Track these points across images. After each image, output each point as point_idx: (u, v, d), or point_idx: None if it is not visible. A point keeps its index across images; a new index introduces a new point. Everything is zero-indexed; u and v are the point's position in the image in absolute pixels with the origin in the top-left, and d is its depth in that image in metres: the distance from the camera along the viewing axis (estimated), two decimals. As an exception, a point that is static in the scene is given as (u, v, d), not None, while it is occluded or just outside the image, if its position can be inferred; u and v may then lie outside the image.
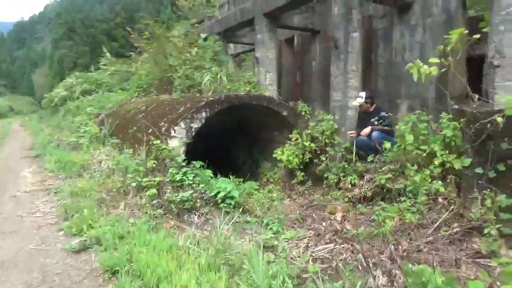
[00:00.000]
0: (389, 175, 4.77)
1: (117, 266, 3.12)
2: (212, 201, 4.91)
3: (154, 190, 4.78)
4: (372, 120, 5.75)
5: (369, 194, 5.05)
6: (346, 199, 5.31)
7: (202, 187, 5.00)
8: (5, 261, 3.51)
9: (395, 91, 7.05)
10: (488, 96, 4.09)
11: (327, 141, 6.18)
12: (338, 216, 4.57)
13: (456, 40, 4.11)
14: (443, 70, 4.25)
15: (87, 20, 48.69)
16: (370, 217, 4.68)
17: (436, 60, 4.28)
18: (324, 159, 6.06)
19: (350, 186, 5.45)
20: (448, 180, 4.03)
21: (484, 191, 3.51)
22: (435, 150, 4.40)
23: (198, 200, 4.75)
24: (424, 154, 4.55)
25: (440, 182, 3.99)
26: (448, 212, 3.75)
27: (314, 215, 5.01)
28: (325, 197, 5.56)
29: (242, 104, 6.37)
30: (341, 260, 3.34)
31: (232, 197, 4.80)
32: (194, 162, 5.47)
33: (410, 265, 2.82)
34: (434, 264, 2.86)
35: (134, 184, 5.08)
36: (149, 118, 7.03)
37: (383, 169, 4.95)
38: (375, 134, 5.54)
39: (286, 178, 6.75)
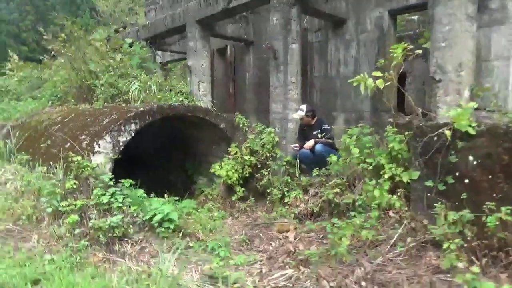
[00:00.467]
0: (337, 190, 4.64)
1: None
2: (147, 225, 4.31)
3: (75, 216, 4.02)
4: (314, 133, 5.64)
5: (316, 209, 4.87)
6: (293, 216, 5.07)
7: (134, 210, 4.37)
8: None
9: (331, 104, 7.10)
10: (431, 110, 4.18)
11: (268, 154, 5.92)
12: (291, 236, 4.28)
13: (400, 54, 4.15)
14: (387, 83, 4.27)
15: (-11, 20, 43.33)
16: (320, 235, 4.48)
17: (378, 73, 4.29)
18: (265, 173, 5.78)
19: (295, 201, 5.23)
20: (398, 194, 3.98)
21: (435, 203, 3.50)
22: (382, 163, 4.37)
23: (130, 225, 4.11)
24: (370, 167, 4.51)
25: (394, 196, 3.92)
26: (402, 226, 3.68)
27: (261, 234, 4.67)
28: (270, 214, 5.26)
29: (175, 116, 5.86)
30: (304, 288, 3.03)
31: (170, 220, 4.25)
32: (122, 180, 4.81)
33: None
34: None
35: (49, 210, 4.25)
36: (67, 130, 6.13)
37: (329, 183, 4.81)
38: (318, 147, 5.42)
39: (225, 194, 6.33)
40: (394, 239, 3.60)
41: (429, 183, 3.71)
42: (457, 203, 3.48)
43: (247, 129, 6.67)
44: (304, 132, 5.90)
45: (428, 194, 3.80)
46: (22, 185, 5.20)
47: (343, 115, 6.94)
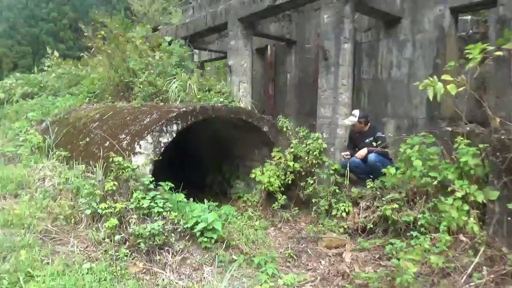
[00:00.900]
0: (395, 205, 4.19)
1: None
2: (188, 233, 4.03)
3: (115, 220, 3.79)
4: (367, 141, 5.20)
5: (370, 225, 4.44)
6: (342, 230, 4.66)
7: (175, 216, 4.10)
8: None
9: (380, 109, 6.62)
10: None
11: (314, 161, 5.52)
12: (347, 256, 3.88)
13: (478, 56, 3.67)
14: (460, 89, 3.80)
15: (31, 19, 45.12)
16: (375, 254, 4.06)
17: (448, 77, 3.83)
18: (311, 181, 5.38)
19: (344, 214, 4.82)
20: (472, 216, 3.50)
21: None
22: (449, 179, 3.89)
23: (171, 233, 3.84)
24: (435, 183, 4.04)
25: (471, 218, 3.45)
26: (479, 255, 3.20)
27: (308, 250, 4.30)
28: (317, 227, 4.87)
29: (217, 117, 5.58)
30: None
31: (213, 229, 3.94)
32: (162, 183, 4.56)
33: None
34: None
35: (88, 212, 4.05)
36: (106, 128, 5.97)
37: (385, 197, 4.36)
38: (372, 156, 4.97)
39: (266, 202, 5.98)
40: (470, 268, 3.14)
41: (511, 206, 3.22)
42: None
43: (290, 133, 6.29)
44: (355, 139, 5.47)
45: (509, 218, 3.32)
46: (60, 182, 5.06)
47: (393, 122, 6.45)
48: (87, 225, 4.03)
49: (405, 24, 6.21)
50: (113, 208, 3.95)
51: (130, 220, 3.92)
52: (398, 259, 3.55)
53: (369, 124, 5.38)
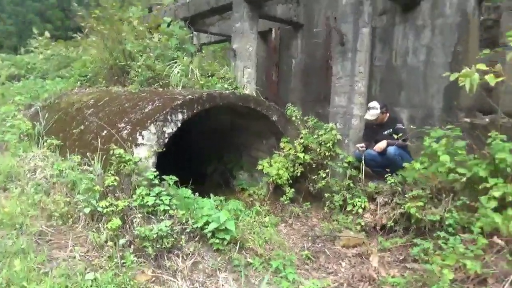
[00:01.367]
0: (420, 203, 3.91)
1: None
2: (198, 234, 3.70)
3: (117, 220, 3.44)
4: (385, 132, 4.88)
5: (390, 223, 4.16)
6: (359, 227, 4.38)
7: (183, 215, 3.76)
8: None
9: (393, 98, 6.28)
10: None
11: (326, 153, 5.20)
12: (374, 260, 3.59)
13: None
14: (500, 79, 3.48)
15: (17, -3, 43.40)
16: (398, 255, 3.79)
17: (483, 66, 3.51)
18: (323, 175, 5.07)
19: (360, 210, 4.53)
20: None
21: None
22: (480, 176, 3.61)
23: (181, 235, 3.50)
24: (463, 179, 3.75)
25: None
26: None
27: (326, 250, 4.01)
28: (331, 224, 4.58)
29: (225, 105, 5.20)
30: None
31: (226, 230, 3.62)
32: (165, 177, 4.20)
33: None
34: None
35: (87, 210, 3.68)
36: (102, 115, 5.55)
37: (409, 194, 4.07)
38: (391, 149, 4.65)
39: (272, 195, 5.67)
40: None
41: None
42: None
43: (299, 122, 5.94)
44: (372, 130, 5.13)
45: (553, 221, 3.05)
46: (53, 175, 4.66)
47: (407, 111, 6.13)
48: (85, 225, 3.66)
49: (425, 8, 5.83)
50: (115, 207, 3.59)
51: (134, 220, 3.57)
52: (427, 262, 3.30)
53: (387, 114, 5.05)
